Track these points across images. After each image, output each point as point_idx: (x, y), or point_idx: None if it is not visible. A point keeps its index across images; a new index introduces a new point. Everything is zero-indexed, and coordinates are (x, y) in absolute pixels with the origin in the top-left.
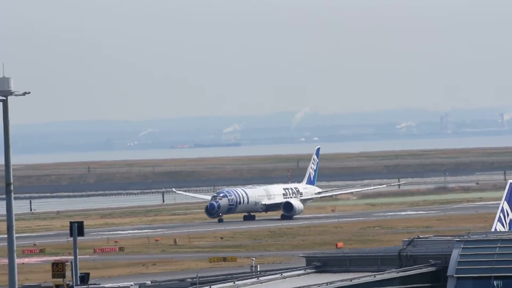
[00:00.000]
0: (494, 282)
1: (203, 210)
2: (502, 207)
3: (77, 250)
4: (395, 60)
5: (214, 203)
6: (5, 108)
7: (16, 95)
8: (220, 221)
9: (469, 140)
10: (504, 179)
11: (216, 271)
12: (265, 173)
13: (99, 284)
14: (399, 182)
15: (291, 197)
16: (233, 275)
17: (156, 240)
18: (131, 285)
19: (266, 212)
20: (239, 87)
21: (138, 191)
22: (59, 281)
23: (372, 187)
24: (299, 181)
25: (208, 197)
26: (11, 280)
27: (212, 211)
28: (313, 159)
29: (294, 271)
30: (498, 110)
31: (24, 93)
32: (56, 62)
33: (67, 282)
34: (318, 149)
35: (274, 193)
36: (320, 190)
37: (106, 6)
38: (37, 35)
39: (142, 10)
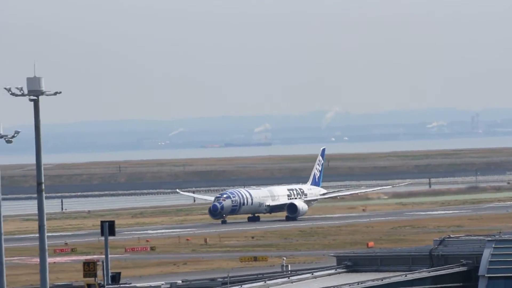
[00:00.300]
0: None
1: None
2: None
3: (108, 250)
4: (426, 60)
5: (217, 204)
6: (36, 108)
7: (47, 95)
8: (224, 222)
9: (500, 140)
10: None
11: (247, 270)
12: (296, 172)
13: (130, 284)
14: (429, 181)
15: (295, 198)
16: (264, 275)
17: (187, 239)
18: (162, 284)
19: (270, 213)
20: (270, 87)
21: (168, 190)
22: (90, 280)
23: (378, 188)
24: (329, 181)
25: (212, 198)
26: (42, 279)
27: (215, 212)
28: (318, 160)
29: (324, 270)
30: None
31: (55, 93)
32: (88, 62)
33: (98, 282)
34: (323, 150)
35: (279, 194)
36: (325, 191)
37: (141, 10)
38: (69, 36)
39: (176, 13)
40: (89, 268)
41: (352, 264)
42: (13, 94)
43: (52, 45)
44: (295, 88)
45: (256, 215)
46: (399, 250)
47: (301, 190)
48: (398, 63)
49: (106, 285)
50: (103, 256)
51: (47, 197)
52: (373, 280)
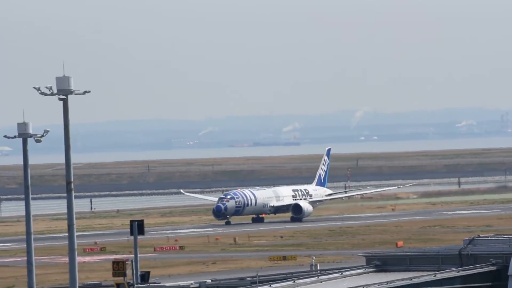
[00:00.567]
0: None
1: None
2: None
3: (138, 249)
4: (455, 59)
5: (221, 205)
6: (65, 107)
7: (76, 94)
8: (228, 223)
9: None
10: None
11: (276, 270)
12: None
13: (159, 283)
14: (459, 181)
15: (300, 199)
16: (293, 274)
17: (216, 238)
18: (191, 283)
19: (275, 214)
20: (299, 86)
21: (197, 189)
22: (119, 279)
23: (385, 189)
24: (359, 180)
25: (216, 199)
26: (72, 278)
27: (219, 213)
28: (324, 160)
29: (354, 270)
30: None
31: (85, 92)
32: (118, 61)
33: (127, 281)
34: (329, 150)
35: (283, 194)
36: (330, 191)
37: (176, 12)
38: (98, 36)
39: (204, 15)
40: (119, 267)
41: (381, 263)
42: (42, 93)
43: (82, 45)
44: (324, 88)
45: (260, 216)
46: (428, 249)
47: (306, 191)
48: (427, 62)
49: (136, 284)
50: (132, 255)
51: (76, 196)
52: (402, 280)
